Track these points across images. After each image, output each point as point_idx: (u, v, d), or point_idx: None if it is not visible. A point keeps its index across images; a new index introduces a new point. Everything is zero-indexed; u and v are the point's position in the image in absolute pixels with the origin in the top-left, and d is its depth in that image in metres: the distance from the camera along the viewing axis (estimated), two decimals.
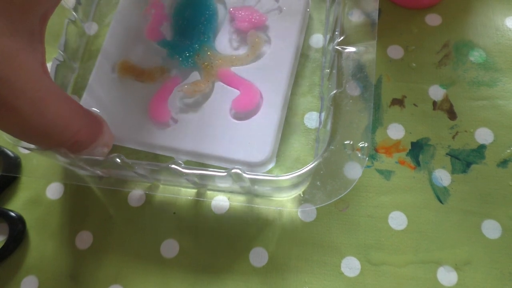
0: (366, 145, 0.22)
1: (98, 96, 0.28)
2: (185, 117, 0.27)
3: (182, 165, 0.22)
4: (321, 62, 0.30)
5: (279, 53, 0.28)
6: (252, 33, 0.28)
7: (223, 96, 0.27)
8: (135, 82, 0.28)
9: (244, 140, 0.26)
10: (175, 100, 0.27)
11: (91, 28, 0.32)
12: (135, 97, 0.28)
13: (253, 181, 0.23)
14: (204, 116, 0.27)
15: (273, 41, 0.28)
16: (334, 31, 0.27)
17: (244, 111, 0.26)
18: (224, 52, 0.28)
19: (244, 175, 0.21)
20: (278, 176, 0.21)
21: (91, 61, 0.31)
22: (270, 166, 0.26)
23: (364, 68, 0.24)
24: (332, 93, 0.23)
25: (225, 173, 0.21)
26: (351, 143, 0.22)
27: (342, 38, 0.24)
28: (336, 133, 0.22)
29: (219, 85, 0.28)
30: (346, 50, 0.24)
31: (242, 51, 0.28)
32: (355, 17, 0.27)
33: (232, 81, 0.27)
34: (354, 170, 0.21)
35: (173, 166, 0.22)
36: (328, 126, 0.23)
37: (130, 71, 0.28)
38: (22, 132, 0.21)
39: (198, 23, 0.28)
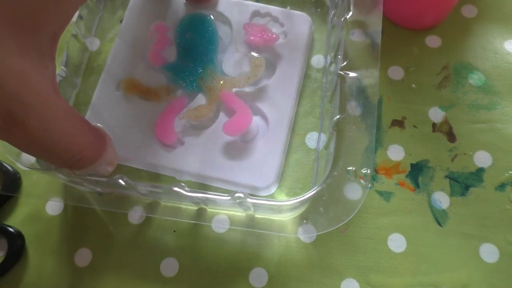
0: (368, 172, 0.22)
1: (102, 114, 0.28)
2: (190, 138, 0.27)
3: (186, 188, 0.22)
4: (322, 82, 0.30)
5: (285, 76, 0.28)
6: (252, 56, 0.28)
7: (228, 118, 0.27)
8: (140, 100, 0.28)
9: (250, 163, 0.26)
10: (181, 121, 0.27)
11: (93, 43, 0.32)
12: (140, 116, 0.28)
13: (256, 205, 0.23)
14: (210, 138, 0.27)
15: (279, 64, 0.29)
16: (336, 53, 0.27)
17: (233, 135, 0.26)
18: (231, 74, 0.28)
19: (248, 199, 0.21)
20: (281, 201, 0.21)
21: (92, 77, 0.31)
22: (273, 189, 0.27)
23: (367, 94, 0.24)
24: (335, 118, 0.24)
25: (229, 197, 0.21)
26: (353, 169, 0.22)
27: (345, 63, 0.25)
28: (339, 159, 0.22)
29: (225, 107, 0.28)
30: (349, 75, 0.24)
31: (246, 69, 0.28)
32: (357, 37, 0.27)
33: (231, 103, 0.28)
34: (356, 197, 0.21)
35: (176, 189, 0.22)
36: (331, 149, 0.23)
37: (136, 89, 0.28)
38: (28, 146, 0.21)
39: (199, 45, 0.28)
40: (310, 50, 0.31)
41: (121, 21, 0.32)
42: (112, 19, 0.32)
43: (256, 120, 0.28)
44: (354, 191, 0.21)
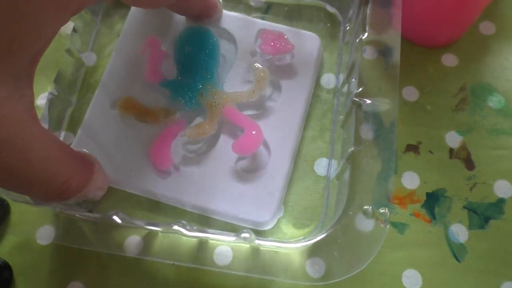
0: (387, 211, 0.20)
1: (95, 134, 0.26)
2: (187, 166, 0.25)
3: (187, 227, 0.20)
4: (333, 104, 0.28)
5: (291, 99, 0.26)
6: (257, 67, 0.26)
7: (229, 146, 0.25)
8: (136, 121, 0.26)
9: (251, 195, 0.24)
10: (178, 146, 0.26)
11: (90, 58, 0.30)
12: (135, 137, 0.26)
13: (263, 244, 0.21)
14: (208, 167, 0.25)
15: (284, 86, 0.27)
16: (350, 75, 0.25)
17: (245, 154, 0.25)
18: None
19: (256, 241, 0.19)
20: (290, 243, 0.20)
21: (89, 94, 0.29)
22: (276, 219, 0.25)
23: (385, 124, 0.22)
24: (349, 149, 0.22)
25: (234, 238, 0.20)
26: (370, 208, 0.20)
27: (360, 89, 0.23)
28: (354, 195, 0.21)
29: (225, 132, 0.26)
30: (365, 103, 0.23)
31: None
32: (370, 55, 0.25)
33: (236, 118, 0.26)
34: (374, 240, 0.20)
35: (176, 227, 0.20)
36: (344, 180, 0.22)
37: (133, 109, 0.26)
38: (6, 182, 0.20)
39: (199, 60, 0.27)
40: (319, 68, 0.29)
41: (118, 35, 0.30)
42: (110, 33, 0.30)
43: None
44: (371, 234, 0.20)
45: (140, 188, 0.25)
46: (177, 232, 0.20)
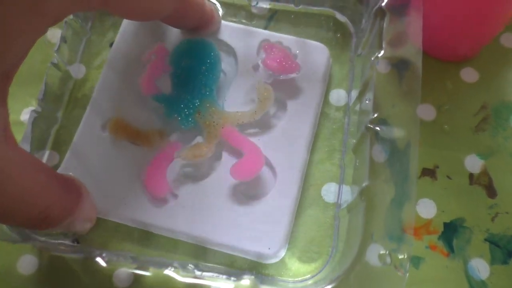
0: (406, 257, 0.18)
1: (84, 158, 0.24)
2: (185, 192, 0.23)
3: (181, 272, 0.18)
4: (342, 123, 0.26)
5: (297, 117, 0.24)
6: (261, 85, 0.24)
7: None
8: (129, 144, 0.24)
9: (255, 224, 0.22)
10: (175, 170, 0.23)
11: (78, 71, 0.27)
12: (127, 162, 0.24)
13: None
14: (208, 193, 0.23)
15: (290, 103, 0.24)
16: (363, 94, 0.23)
17: (243, 179, 0.23)
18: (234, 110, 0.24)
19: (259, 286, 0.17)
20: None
21: (76, 110, 0.26)
22: (282, 253, 0.23)
23: (404, 156, 0.20)
24: (363, 184, 0.20)
25: (233, 285, 0.17)
26: (387, 253, 0.18)
27: (376, 115, 0.21)
28: (368, 237, 0.19)
29: (227, 154, 0.24)
30: (382, 131, 0.20)
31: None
32: (383, 68, 0.23)
33: (235, 141, 0.24)
34: None
35: (167, 272, 0.18)
36: (357, 217, 0.20)
37: (123, 132, 0.24)
38: None
39: (198, 74, 0.24)
40: (328, 84, 0.26)
41: (111, 45, 0.27)
42: (101, 42, 0.28)
43: (263, 170, 0.23)
44: (388, 284, 0.17)
45: (133, 218, 0.23)
46: (168, 277, 0.18)
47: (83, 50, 0.28)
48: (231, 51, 0.26)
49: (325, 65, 0.25)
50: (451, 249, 0.24)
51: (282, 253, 0.23)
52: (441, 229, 0.24)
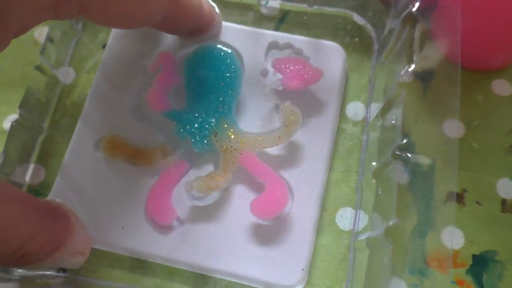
0: None
1: (76, 181, 0.21)
2: (193, 218, 0.20)
3: None
4: (360, 140, 0.23)
5: (313, 131, 0.21)
6: (287, 108, 0.20)
7: (246, 190, 0.21)
8: (126, 165, 0.21)
9: (270, 252, 0.20)
10: (181, 193, 0.21)
11: (67, 75, 0.25)
12: (126, 185, 0.21)
13: None
14: (219, 219, 0.20)
15: (305, 115, 0.21)
16: (387, 110, 0.20)
17: (264, 218, 0.20)
18: (247, 129, 0.22)
19: None
20: None
21: (65, 119, 0.24)
22: (302, 284, 0.20)
23: (428, 178, 0.18)
24: (390, 222, 0.17)
25: None
26: None
27: (405, 140, 0.18)
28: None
29: (239, 174, 0.21)
30: (412, 161, 0.18)
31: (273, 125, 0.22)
32: (406, 78, 0.20)
33: (256, 170, 0.21)
34: None
35: None
36: (383, 260, 0.17)
37: (120, 151, 0.21)
38: None
39: (215, 89, 0.21)
40: (344, 95, 0.24)
41: (103, 46, 0.25)
42: (93, 43, 0.25)
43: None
44: None
45: (134, 250, 0.20)
46: None
47: (72, 52, 0.25)
48: (236, 55, 0.23)
49: (341, 68, 0.23)
50: (480, 285, 0.22)
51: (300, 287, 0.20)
52: (470, 262, 0.22)
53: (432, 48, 0.20)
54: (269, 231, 0.20)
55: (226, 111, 0.21)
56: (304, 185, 0.21)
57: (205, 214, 0.21)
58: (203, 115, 0.21)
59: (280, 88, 0.22)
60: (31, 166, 0.23)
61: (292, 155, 0.21)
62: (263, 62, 0.23)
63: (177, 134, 0.21)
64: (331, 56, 0.23)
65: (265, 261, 0.20)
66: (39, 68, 0.23)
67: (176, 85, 0.22)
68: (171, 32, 0.22)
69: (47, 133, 0.24)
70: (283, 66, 0.21)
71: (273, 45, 0.23)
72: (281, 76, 0.22)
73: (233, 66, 0.22)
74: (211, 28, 0.22)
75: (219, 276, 0.20)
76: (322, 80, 0.22)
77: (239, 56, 0.23)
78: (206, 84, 0.22)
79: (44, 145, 0.24)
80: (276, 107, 0.22)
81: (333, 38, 0.25)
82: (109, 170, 0.21)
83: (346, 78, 0.24)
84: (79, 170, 0.21)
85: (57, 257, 0.18)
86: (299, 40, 0.23)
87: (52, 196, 0.21)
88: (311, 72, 0.21)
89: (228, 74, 0.22)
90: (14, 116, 0.23)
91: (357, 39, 0.25)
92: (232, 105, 0.22)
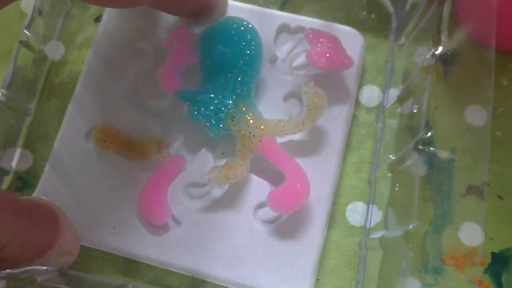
0: None
1: (66, 172, 0.19)
2: (190, 218, 0.19)
3: None
4: (374, 128, 0.21)
5: (327, 121, 0.20)
6: (311, 89, 0.19)
7: (248, 188, 0.19)
8: (120, 158, 0.20)
9: (274, 260, 0.18)
10: (177, 190, 0.19)
11: (56, 50, 0.23)
12: (119, 180, 0.19)
13: None
14: (219, 218, 0.19)
15: None
16: (406, 98, 0.18)
17: (283, 212, 0.18)
18: (266, 115, 0.20)
19: None
20: None
21: (53, 99, 0.22)
22: None
23: (447, 169, 0.17)
24: (410, 225, 0.16)
25: None
26: None
27: (430, 133, 0.16)
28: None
29: (262, 163, 0.19)
30: (434, 154, 0.16)
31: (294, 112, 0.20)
32: (431, 61, 0.18)
33: (276, 158, 0.19)
34: None
35: None
36: (400, 262, 0.16)
37: (112, 142, 0.19)
38: None
39: (233, 67, 0.19)
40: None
41: (96, 20, 0.23)
42: (84, 16, 0.23)
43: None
44: None
45: (125, 250, 0.19)
46: None
47: (61, 26, 0.23)
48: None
49: (359, 57, 0.21)
50: (499, 285, 0.20)
51: None
52: (489, 260, 0.21)
53: (457, 27, 0.17)
54: (273, 234, 0.19)
55: (245, 93, 0.19)
56: (319, 182, 0.19)
57: (203, 214, 0.19)
58: (220, 97, 0.19)
59: (299, 62, 0.20)
60: (18, 151, 0.21)
61: (304, 145, 0.19)
62: (271, 48, 0.21)
63: (190, 117, 0.19)
64: (347, 42, 0.20)
65: (270, 269, 0.18)
66: (25, 43, 0.21)
67: (191, 63, 0.20)
68: (171, 12, 0.20)
69: (34, 115, 0.22)
70: (314, 39, 0.19)
71: (283, 28, 0.21)
72: (308, 48, 0.20)
73: (253, 43, 0.20)
74: (216, 9, 0.20)
75: (217, 283, 0.19)
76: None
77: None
78: (224, 62, 0.19)
79: (31, 128, 0.22)
80: (299, 87, 0.20)
81: (346, 15, 0.23)
82: (100, 163, 0.20)
83: (363, 62, 0.22)
84: (69, 158, 0.20)
85: (44, 259, 0.17)
86: (312, 23, 0.21)
87: (40, 189, 0.19)
88: (341, 57, 0.19)
89: (248, 52, 0.19)
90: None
91: (373, 16, 0.23)
92: (252, 86, 0.19)
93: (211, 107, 0.19)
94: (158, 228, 0.19)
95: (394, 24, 0.22)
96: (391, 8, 0.22)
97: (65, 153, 0.20)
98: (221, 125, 0.19)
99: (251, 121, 0.19)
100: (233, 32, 0.20)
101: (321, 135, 0.20)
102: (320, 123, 0.19)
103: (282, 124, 0.19)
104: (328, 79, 0.20)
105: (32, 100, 0.22)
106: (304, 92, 0.18)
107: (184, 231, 0.19)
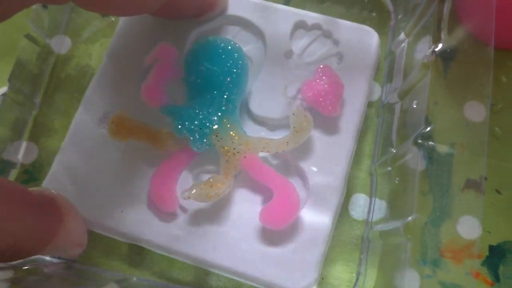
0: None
1: (76, 162, 0.20)
2: (198, 208, 0.19)
3: None
4: (374, 122, 0.22)
5: (340, 120, 0.20)
6: (300, 113, 0.19)
7: (258, 183, 0.19)
8: (131, 145, 0.20)
9: (281, 252, 0.18)
10: (187, 179, 0.19)
11: (62, 44, 0.23)
12: (129, 166, 0.20)
13: None
14: (227, 210, 0.19)
15: None
16: (407, 94, 0.19)
17: (276, 227, 0.18)
18: (258, 113, 0.20)
19: None
20: None
21: (58, 94, 0.22)
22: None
23: (446, 164, 0.17)
24: (409, 218, 0.16)
25: None
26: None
27: (429, 128, 0.16)
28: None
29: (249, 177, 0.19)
30: (434, 148, 0.17)
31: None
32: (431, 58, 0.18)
33: (260, 175, 0.19)
34: None
35: None
36: (400, 253, 0.16)
37: (127, 130, 0.19)
38: None
39: (219, 84, 0.20)
40: None
41: (103, 14, 0.23)
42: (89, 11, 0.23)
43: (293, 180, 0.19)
44: None
45: (132, 236, 0.19)
46: None
47: (67, 20, 0.23)
48: (258, 33, 0.21)
49: (374, 55, 0.21)
50: (496, 277, 0.21)
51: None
52: (486, 253, 0.21)
53: (456, 24, 0.18)
54: (281, 230, 0.19)
55: (230, 110, 0.19)
56: (325, 176, 0.19)
57: (211, 205, 0.19)
58: (204, 112, 0.19)
59: (306, 73, 0.20)
60: (24, 144, 0.22)
61: (315, 143, 0.20)
62: (288, 43, 0.21)
63: (175, 131, 0.19)
64: (363, 41, 0.21)
65: (276, 261, 0.18)
66: (30, 36, 0.21)
67: (175, 78, 0.20)
68: (172, 18, 0.21)
69: (39, 108, 0.22)
70: (321, 74, 0.20)
71: (300, 25, 0.21)
72: (309, 60, 0.21)
73: (240, 62, 0.20)
74: (216, 7, 0.21)
75: (222, 273, 0.19)
76: (352, 66, 0.20)
77: (261, 34, 0.21)
78: (210, 80, 0.20)
79: (36, 121, 0.22)
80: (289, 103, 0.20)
81: (348, 12, 0.23)
82: (112, 149, 0.20)
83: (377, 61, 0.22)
84: (80, 143, 0.20)
85: (47, 250, 0.17)
86: (329, 21, 0.21)
87: (50, 177, 0.19)
88: (328, 103, 0.19)
89: (235, 70, 0.20)
90: (3, 89, 0.21)
91: (374, 14, 0.23)
92: (237, 104, 0.20)
93: (196, 122, 0.19)
94: (166, 215, 0.19)
95: (393, 22, 0.22)
96: (391, 7, 0.23)
97: (78, 138, 0.20)
98: (205, 140, 0.19)
99: (236, 138, 0.19)
100: (220, 51, 0.20)
101: (336, 131, 0.20)
102: (335, 120, 0.20)
103: (266, 142, 0.19)
104: (342, 76, 0.20)
105: (37, 94, 0.22)
106: (293, 114, 0.19)
107: (191, 219, 0.19)
